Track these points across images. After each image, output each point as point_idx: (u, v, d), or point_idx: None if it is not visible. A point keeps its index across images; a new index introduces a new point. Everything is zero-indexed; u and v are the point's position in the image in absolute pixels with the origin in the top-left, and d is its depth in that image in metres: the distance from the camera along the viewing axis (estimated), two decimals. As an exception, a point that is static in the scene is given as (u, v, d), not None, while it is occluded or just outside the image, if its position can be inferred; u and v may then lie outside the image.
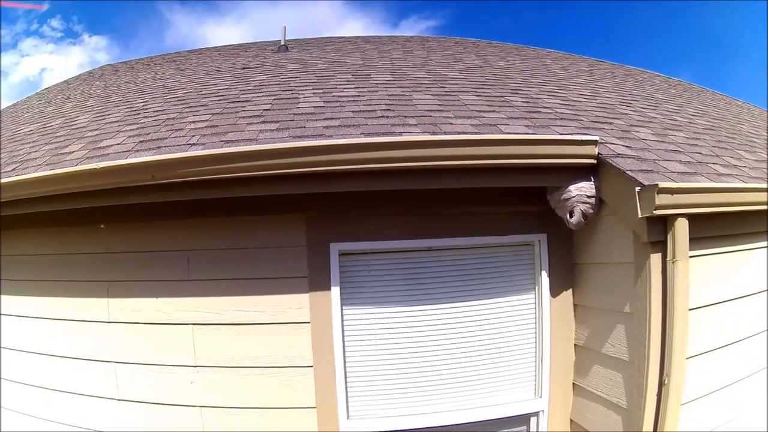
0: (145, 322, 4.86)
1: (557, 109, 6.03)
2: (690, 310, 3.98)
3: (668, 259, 3.90)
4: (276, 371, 4.75)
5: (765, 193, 4.25)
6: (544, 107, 6.09)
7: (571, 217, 4.53)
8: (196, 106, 6.36)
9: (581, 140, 4.45)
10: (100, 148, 5.17)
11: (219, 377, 4.77)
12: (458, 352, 4.97)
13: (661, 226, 3.92)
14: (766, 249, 4.67)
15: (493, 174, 4.45)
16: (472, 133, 4.86)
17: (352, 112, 5.56)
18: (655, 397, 3.99)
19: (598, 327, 4.74)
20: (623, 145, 4.88)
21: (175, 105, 6.64)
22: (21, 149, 6.03)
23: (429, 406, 4.94)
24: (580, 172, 4.49)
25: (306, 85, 7.20)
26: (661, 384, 3.97)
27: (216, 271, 4.84)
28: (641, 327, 4.06)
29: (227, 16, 61.85)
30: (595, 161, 4.44)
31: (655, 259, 3.97)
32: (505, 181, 4.49)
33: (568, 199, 4.50)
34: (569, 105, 6.38)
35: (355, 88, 6.93)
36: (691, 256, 3.92)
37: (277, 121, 5.28)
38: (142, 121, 5.98)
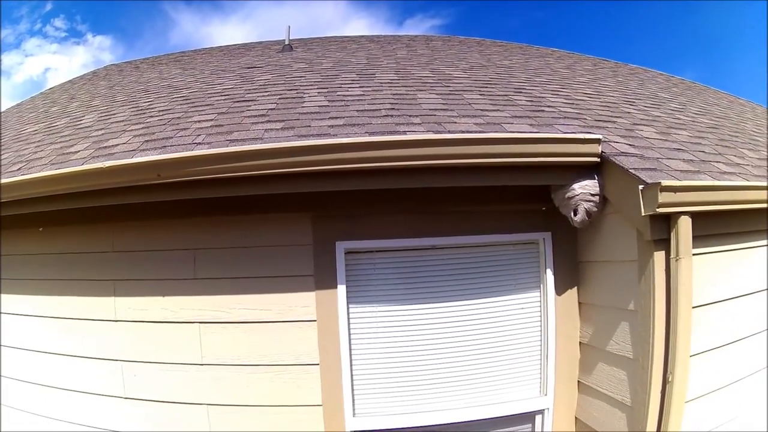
0: (151, 321, 4.88)
1: (561, 108, 6.04)
2: (693, 308, 3.99)
3: (672, 256, 3.90)
4: (282, 369, 4.77)
5: (766, 192, 4.26)
6: (548, 106, 6.10)
7: (575, 215, 4.54)
8: (201, 106, 6.38)
9: (585, 138, 4.47)
10: (105, 147, 5.20)
11: (225, 375, 4.78)
12: (464, 350, 4.99)
13: (664, 224, 3.93)
14: (766, 247, 4.68)
15: (497, 172, 4.47)
16: (476, 132, 4.88)
17: (357, 111, 5.58)
18: (659, 395, 4.00)
19: (602, 325, 4.75)
20: (627, 144, 4.89)
21: (181, 104, 6.67)
22: (26, 149, 6.05)
23: (435, 404, 4.95)
24: (584, 171, 4.50)
25: (311, 85, 7.22)
26: (665, 382, 3.97)
27: (222, 270, 4.86)
28: (645, 325, 4.07)
29: (232, 16, 61.84)
30: (598, 159, 4.45)
31: (659, 256, 3.97)
32: (509, 179, 4.51)
33: (572, 198, 4.51)
34: (573, 104, 6.39)
35: (359, 87, 6.95)
36: (694, 254, 3.93)
37: (282, 120, 5.30)
38: (147, 120, 6.01)
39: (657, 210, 3.76)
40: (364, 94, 6.42)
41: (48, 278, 5.25)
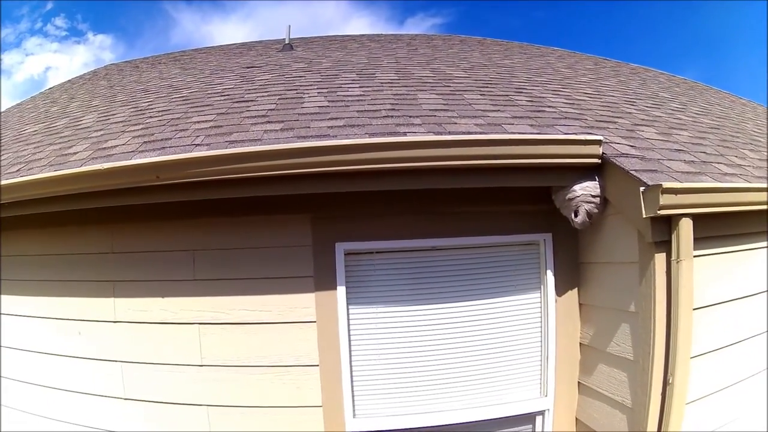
0: (151, 322, 4.87)
1: (561, 108, 6.03)
2: (694, 309, 3.98)
3: (673, 258, 3.90)
4: (282, 370, 4.77)
5: (767, 193, 4.25)
6: (549, 106, 6.09)
7: (575, 216, 4.53)
8: (200, 106, 6.37)
9: (585, 140, 4.45)
10: (104, 148, 5.19)
11: (225, 376, 4.78)
12: (464, 351, 4.98)
13: (665, 225, 3.92)
14: (767, 249, 4.67)
15: (497, 174, 4.46)
16: (476, 133, 4.86)
17: (357, 111, 5.57)
18: (660, 397, 3.99)
19: (603, 326, 4.74)
20: (628, 145, 4.88)
21: (180, 105, 6.66)
22: (25, 149, 6.04)
23: (435, 405, 4.95)
24: (585, 172, 4.49)
25: (311, 85, 7.21)
26: (665, 383, 3.97)
27: (222, 271, 4.85)
28: (646, 326, 4.06)
29: (233, 15, 61.83)
30: (599, 161, 4.43)
31: (660, 258, 3.97)
32: (509, 180, 4.50)
33: (573, 199, 4.50)
34: (573, 104, 6.38)
35: (359, 87, 6.94)
36: (695, 256, 3.92)
37: (282, 121, 5.30)
38: (146, 121, 6.00)
39: (658, 212, 3.75)
40: (364, 95, 6.41)
41: (47, 279, 5.24)
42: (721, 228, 4.23)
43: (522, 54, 11.59)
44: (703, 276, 4.06)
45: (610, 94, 7.69)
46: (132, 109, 6.93)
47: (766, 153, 5.88)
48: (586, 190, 4.46)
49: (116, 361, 4.94)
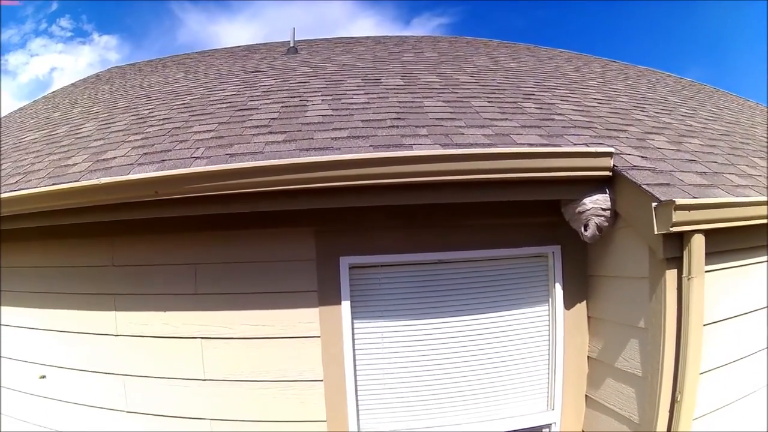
0: (153, 336, 4.83)
1: (571, 116, 5.93)
2: (704, 325, 3.92)
3: (684, 275, 3.83)
4: (286, 385, 4.71)
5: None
6: (558, 114, 5.99)
7: (585, 230, 4.45)
8: (202, 114, 6.30)
9: (596, 152, 4.37)
10: (103, 160, 5.11)
11: (228, 390, 4.73)
12: (470, 365, 4.92)
13: (677, 242, 3.85)
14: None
15: (505, 187, 4.37)
16: (484, 145, 4.79)
17: (362, 121, 5.48)
18: (668, 414, 3.94)
19: (611, 340, 4.68)
20: (639, 156, 4.79)
21: (182, 112, 6.59)
22: (25, 159, 5.97)
23: (441, 419, 4.90)
24: (595, 184, 4.40)
25: (315, 91, 7.13)
26: (673, 401, 3.92)
27: (224, 285, 4.79)
28: (655, 343, 4.00)
29: (239, 15, 61.71)
30: (610, 173, 4.34)
31: (671, 275, 3.90)
32: (518, 194, 4.41)
33: (583, 213, 4.42)
34: (583, 111, 6.29)
35: (365, 93, 6.85)
36: (705, 271, 3.86)
37: (284, 132, 5.21)
38: (147, 130, 5.93)
39: (671, 229, 3.67)
40: (369, 102, 6.34)
41: (48, 291, 5.19)
42: (730, 242, 4.15)
43: (529, 56, 11.50)
44: (712, 291, 3.98)
45: (620, 99, 7.59)
46: (133, 117, 6.86)
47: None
48: (596, 203, 4.37)
49: (118, 374, 4.89)
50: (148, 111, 7.08)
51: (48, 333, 5.17)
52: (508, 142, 4.92)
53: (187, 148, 5.02)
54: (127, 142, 5.58)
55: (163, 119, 6.36)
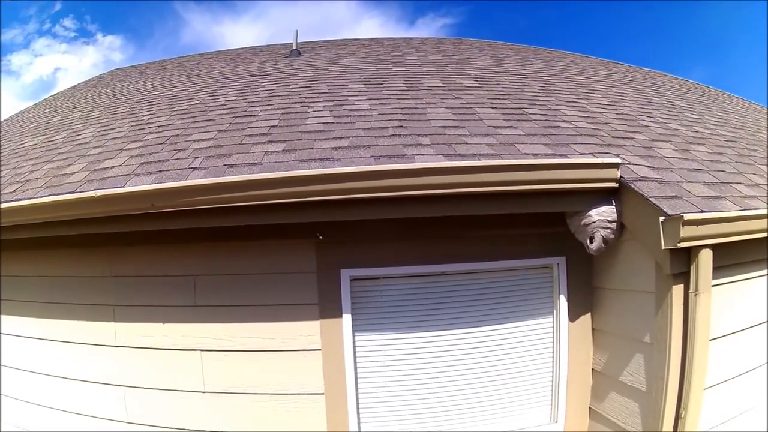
0: (152, 347, 4.80)
1: (576, 123, 5.86)
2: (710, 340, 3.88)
3: (691, 291, 3.78)
4: (287, 398, 4.68)
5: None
6: (563, 121, 5.92)
7: (591, 242, 4.38)
8: (202, 121, 6.23)
9: (603, 163, 4.31)
10: (101, 169, 5.04)
11: (229, 403, 4.70)
12: (473, 377, 4.88)
13: (684, 256, 3.79)
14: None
15: (510, 199, 4.31)
16: (488, 155, 4.70)
17: (363, 129, 5.43)
18: (672, 429, 3.91)
19: (616, 354, 4.64)
20: (646, 166, 4.71)
21: (181, 118, 6.52)
22: (24, 166, 5.90)
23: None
24: (601, 196, 4.34)
25: (316, 96, 7.05)
26: (677, 417, 3.88)
27: (223, 297, 4.74)
28: (660, 359, 3.96)
29: (244, 15, 61.74)
30: (617, 185, 4.28)
31: (677, 290, 3.86)
32: (522, 206, 4.35)
33: (589, 225, 4.35)
34: (588, 117, 6.20)
35: (367, 99, 6.78)
36: (712, 286, 3.80)
37: (284, 141, 5.17)
38: (146, 137, 5.85)
39: (678, 245, 3.62)
40: (371, 109, 6.25)
41: (48, 301, 5.16)
42: (736, 256, 4.10)
43: (534, 59, 11.42)
44: (716, 305, 3.93)
45: (625, 104, 7.50)
46: (132, 123, 6.79)
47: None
48: (602, 215, 4.31)
49: (119, 385, 4.87)
50: (147, 117, 7.02)
51: (48, 342, 5.14)
52: (513, 152, 4.83)
53: (185, 158, 4.95)
54: (126, 150, 5.51)
55: (162, 126, 6.29)
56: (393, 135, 5.20)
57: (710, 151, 5.77)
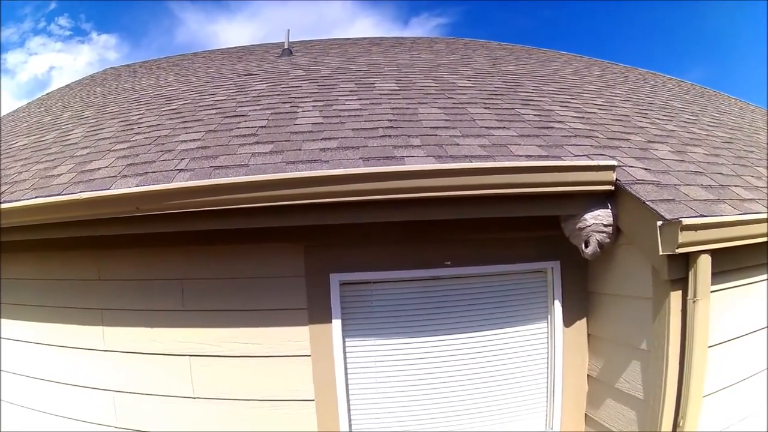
0: (141, 352, 4.74)
1: (571, 124, 5.79)
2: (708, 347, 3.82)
3: (689, 297, 3.71)
4: (276, 405, 4.62)
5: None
6: (557, 121, 5.86)
7: (586, 247, 4.31)
8: (190, 121, 6.16)
9: (598, 165, 4.23)
10: (87, 171, 4.97)
11: (219, 409, 4.65)
12: (467, 384, 4.83)
13: (682, 262, 3.72)
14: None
15: (502, 203, 4.24)
16: (480, 156, 4.63)
17: (353, 130, 5.35)
18: (669, 437, 3.82)
19: (612, 361, 4.57)
20: (642, 168, 4.64)
21: (170, 119, 6.45)
22: (12, 167, 5.83)
23: (436, 439, 4.75)
24: (597, 199, 4.26)
25: (306, 96, 6.97)
26: (675, 425, 3.82)
27: (211, 302, 4.67)
28: (658, 367, 3.89)
29: (238, 14, 61.95)
30: (612, 188, 4.21)
31: (675, 296, 3.78)
32: (515, 210, 4.28)
33: (584, 229, 4.27)
34: (583, 118, 6.13)
35: (357, 99, 6.71)
36: (711, 291, 3.74)
37: (272, 142, 5.09)
38: (134, 138, 5.78)
39: (676, 250, 3.54)
40: (361, 108, 6.18)
41: (36, 304, 5.12)
42: (734, 261, 4.03)
43: (527, 59, 11.38)
44: (714, 311, 3.85)
45: (621, 104, 7.44)
46: (121, 123, 6.71)
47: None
48: (598, 219, 4.23)
49: (108, 390, 4.82)
50: (137, 117, 6.95)
51: (37, 346, 5.09)
52: (506, 154, 4.74)
53: (172, 159, 4.87)
54: (113, 151, 5.44)
55: (151, 126, 6.22)
56: (383, 136, 5.12)
57: (707, 152, 5.71)
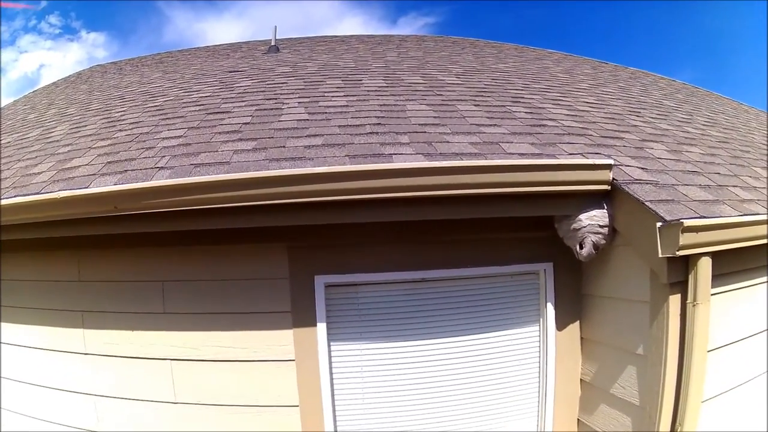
0: (122, 356, 4.63)
1: (563, 122, 5.68)
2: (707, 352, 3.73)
3: (689, 301, 3.61)
4: (260, 410, 4.51)
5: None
6: (549, 119, 5.75)
7: (581, 248, 4.19)
8: (173, 118, 6.06)
9: (594, 164, 4.14)
10: (67, 169, 4.86)
11: (200, 414, 4.53)
12: (456, 389, 4.74)
13: (682, 265, 3.62)
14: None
15: (494, 203, 4.12)
16: (471, 155, 4.51)
17: (339, 126, 5.23)
18: (667, 445, 3.76)
19: (606, 365, 4.48)
20: (639, 167, 4.54)
21: (153, 115, 6.34)
22: (-6, 165, 5.70)
23: (424, 447, 4.67)
24: (592, 199, 4.15)
25: (292, 93, 6.88)
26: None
27: (192, 304, 4.56)
28: (655, 373, 3.80)
29: (226, 13, 61.90)
30: (609, 187, 4.10)
31: (674, 300, 3.69)
32: (508, 210, 4.17)
33: (579, 230, 4.16)
34: (576, 116, 6.04)
35: (344, 96, 6.59)
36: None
37: (255, 139, 4.96)
38: (115, 135, 5.67)
39: (677, 252, 3.43)
40: (348, 105, 6.08)
41: (15, 306, 5.02)
42: (734, 263, 3.92)
43: (516, 57, 11.33)
44: (716, 315, 3.75)
45: (613, 103, 7.37)
46: (104, 120, 6.62)
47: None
48: (593, 219, 4.12)
49: (89, 394, 4.70)
50: (119, 114, 6.84)
51: (17, 348, 5.01)
52: (498, 152, 4.63)
53: (152, 157, 4.76)
54: (94, 148, 5.33)
55: (133, 123, 6.12)
56: (370, 133, 5.00)
57: (703, 152, 5.63)
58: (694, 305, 3.56)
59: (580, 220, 4.13)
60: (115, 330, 4.62)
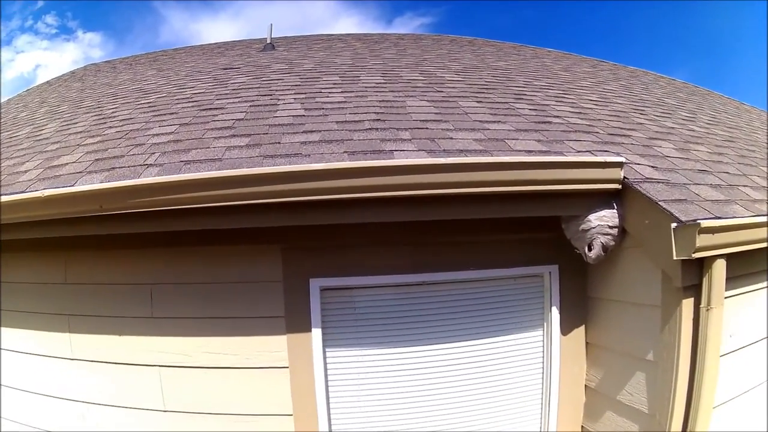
0: (109, 362, 4.49)
1: (569, 119, 5.59)
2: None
3: (702, 306, 3.51)
4: (252, 419, 4.38)
5: None
6: (554, 116, 5.65)
7: (589, 250, 4.06)
8: (165, 114, 5.94)
9: (605, 162, 4.00)
10: (55, 166, 4.77)
11: (191, 422, 4.39)
12: (457, 396, 4.64)
13: (695, 267, 3.50)
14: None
15: (500, 202, 3.99)
16: (476, 151, 4.41)
17: (336, 122, 5.11)
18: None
19: (613, 371, 4.38)
20: (649, 166, 4.43)
21: (144, 112, 6.23)
22: (-18, 165, 5.59)
23: (423, 455, 4.59)
24: (602, 198, 4.03)
25: (288, 89, 6.77)
26: None
27: (182, 309, 4.43)
28: (667, 379, 3.69)
29: (222, 13, 62.05)
30: (619, 186, 3.98)
31: (687, 304, 3.59)
32: (514, 210, 4.04)
33: (588, 230, 4.04)
34: (581, 113, 5.95)
35: (341, 92, 6.48)
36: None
37: (249, 135, 4.85)
38: (105, 132, 5.57)
39: (693, 255, 3.31)
40: (346, 101, 5.96)
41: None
42: (748, 265, 3.87)
43: (516, 55, 11.31)
44: (728, 319, 3.66)
45: (616, 100, 7.30)
46: (95, 117, 6.54)
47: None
48: (603, 220, 4.00)
49: (76, 401, 4.57)
50: (111, 110, 6.77)
51: (3, 353, 4.86)
52: (504, 149, 4.55)
53: (141, 154, 4.65)
54: (83, 145, 5.24)
55: (124, 120, 6.03)
56: (369, 129, 4.88)
57: (710, 151, 5.54)
58: (707, 309, 3.46)
59: (590, 221, 4.01)
60: (103, 335, 4.49)
